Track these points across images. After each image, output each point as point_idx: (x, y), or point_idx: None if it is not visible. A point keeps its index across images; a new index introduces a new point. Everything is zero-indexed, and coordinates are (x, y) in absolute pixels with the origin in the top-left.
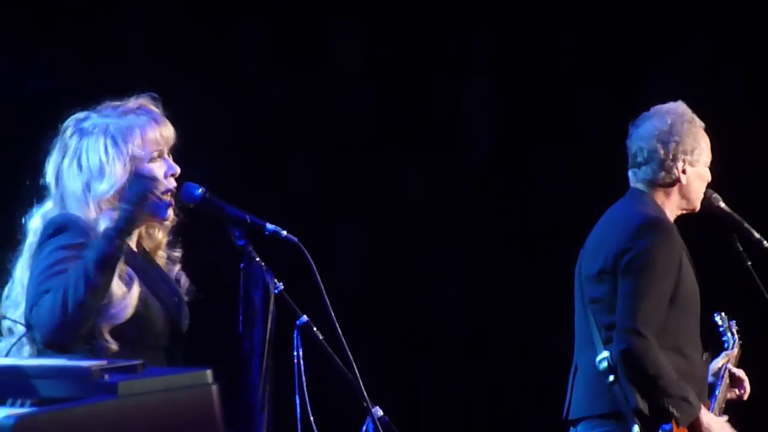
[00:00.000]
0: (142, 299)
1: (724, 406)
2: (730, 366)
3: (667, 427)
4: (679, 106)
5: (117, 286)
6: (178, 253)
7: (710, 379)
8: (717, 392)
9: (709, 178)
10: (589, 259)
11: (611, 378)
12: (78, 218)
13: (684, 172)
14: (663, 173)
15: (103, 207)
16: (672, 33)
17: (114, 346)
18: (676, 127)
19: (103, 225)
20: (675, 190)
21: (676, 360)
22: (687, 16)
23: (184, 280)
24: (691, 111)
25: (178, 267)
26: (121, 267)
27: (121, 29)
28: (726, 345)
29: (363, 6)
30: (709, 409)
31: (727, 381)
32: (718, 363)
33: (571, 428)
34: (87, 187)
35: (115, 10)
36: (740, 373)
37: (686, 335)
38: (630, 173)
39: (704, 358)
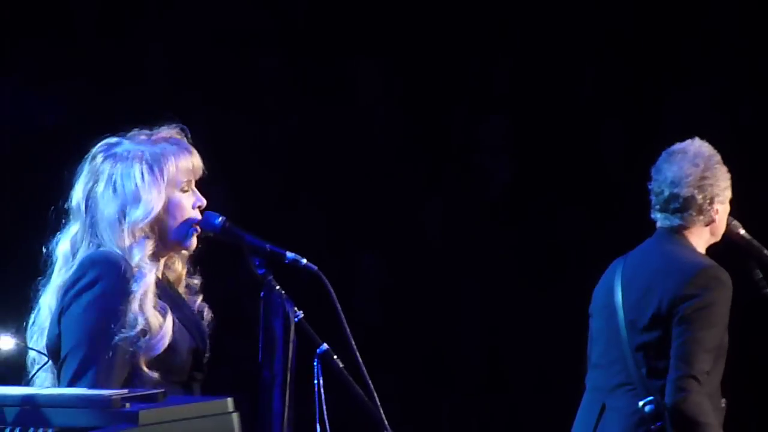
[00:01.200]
0: (174, 331)
1: None
2: None
3: None
4: (704, 147)
5: (154, 317)
6: (197, 281)
7: None
8: None
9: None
10: (633, 303)
11: (658, 424)
12: (113, 258)
13: (717, 212)
14: (701, 217)
15: (137, 235)
16: (691, 64)
17: (155, 375)
18: (710, 171)
19: (137, 255)
20: (707, 229)
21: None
22: (706, 47)
23: (207, 313)
24: (712, 148)
25: (200, 298)
26: (154, 297)
27: (140, 56)
28: None
29: (384, 37)
30: None
31: None
32: None
33: None
34: (122, 212)
35: (133, 37)
36: None
37: (717, 383)
38: (660, 216)
39: (723, 405)
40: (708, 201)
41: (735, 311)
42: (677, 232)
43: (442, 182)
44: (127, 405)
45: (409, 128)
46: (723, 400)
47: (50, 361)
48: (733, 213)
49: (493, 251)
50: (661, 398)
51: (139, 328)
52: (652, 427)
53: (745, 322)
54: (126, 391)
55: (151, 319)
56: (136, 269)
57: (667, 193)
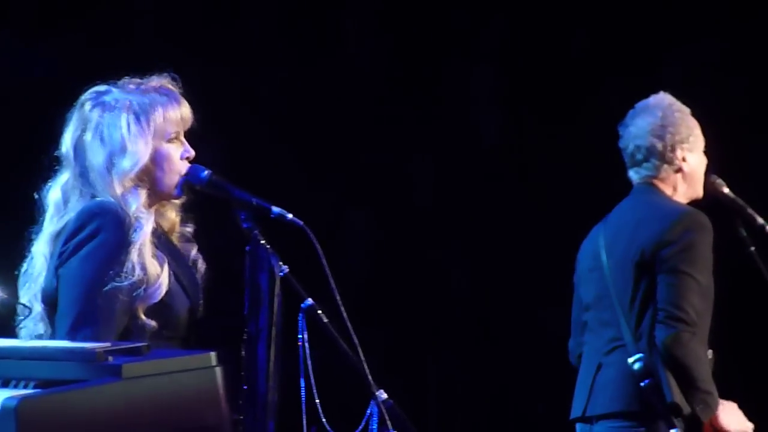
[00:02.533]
0: (171, 283)
1: None
2: None
3: None
4: (665, 98)
5: (152, 266)
6: (190, 229)
7: None
8: None
9: (706, 162)
10: (619, 257)
11: (647, 381)
12: (113, 209)
13: (684, 160)
14: (666, 165)
15: (127, 185)
16: (687, 22)
17: (153, 323)
18: (668, 119)
19: (133, 204)
20: (680, 180)
21: None
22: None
23: (201, 264)
24: (676, 99)
25: (195, 248)
26: (152, 246)
27: (129, 12)
28: None
29: None
30: None
31: None
32: None
33: (584, 425)
34: (110, 162)
35: None
36: None
37: (706, 331)
38: (631, 173)
39: (710, 357)
40: (670, 148)
41: (720, 270)
42: (650, 184)
43: (431, 136)
44: (111, 358)
45: (399, 81)
46: (710, 351)
47: (43, 311)
48: (725, 171)
49: (483, 207)
50: (650, 356)
51: (137, 277)
52: (642, 384)
53: (730, 281)
54: (109, 344)
55: (150, 268)
56: (134, 218)
57: (631, 147)
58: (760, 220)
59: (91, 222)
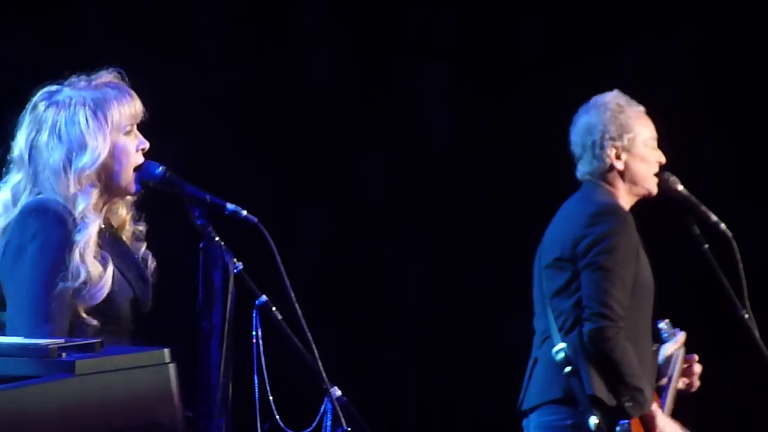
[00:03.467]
0: (114, 281)
1: (676, 396)
2: (682, 354)
3: (625, 421)
4: (606, 96)
5: (93, 266)
6: (142, 228)
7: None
8: (670, 382)
9: (656, 160)
10: (546, 252)
11: (568, 369)
12: (53, 207)
13: (618, 157)
14: (596, 162)
15: (84, 182)
16: (640, 19)
17: (95, 322)
18: (599, 117)
19: (81, 204)
20: (618, 177)
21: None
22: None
23: (151, 261)
24: (621, 98)
25: (144, 246)
26: (95, 247)
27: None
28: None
29: None
30: (660, 399)
31: (679, 369)
32: (668, 350)
33: (524, 419)
34: (68, 160)
35: None
36: (693, 362)
37: (640, 326)
38: (577, 170)
39: (654, 349)
40: (599, 146)
41: (674, 268)
42: (589, 181)
43: (384, 133)
44: (64, 354)
45: (351, 78)
46: (655, 345)
47: None
48: (679, 169)
49: (435, 203)
50: (570, 345)
51: (81, 278)
52: (564, 372)
53: (684, 279)
54: (62, 340)
55: (92, 269)
56: (80, 218)
57: (571, 144)
58: (714, 218)
59: (32, 221)
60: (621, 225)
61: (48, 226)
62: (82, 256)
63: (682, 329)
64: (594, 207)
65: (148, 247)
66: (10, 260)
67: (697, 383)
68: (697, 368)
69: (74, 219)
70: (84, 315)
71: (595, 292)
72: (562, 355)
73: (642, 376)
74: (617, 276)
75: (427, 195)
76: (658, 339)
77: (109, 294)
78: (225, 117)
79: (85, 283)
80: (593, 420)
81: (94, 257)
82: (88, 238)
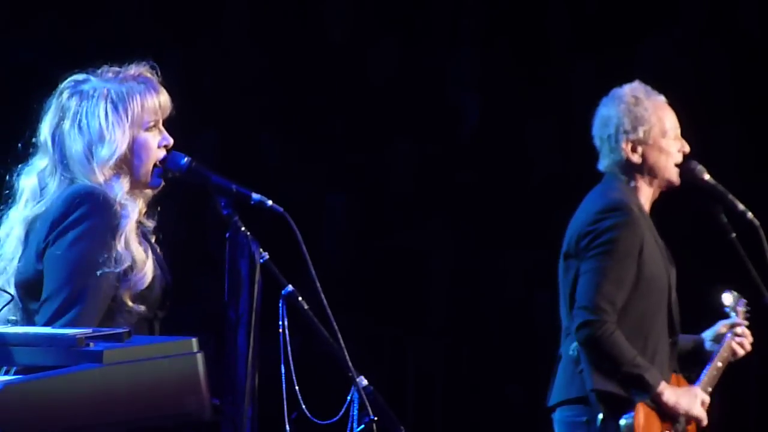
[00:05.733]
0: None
1: (719, 374)
2: (731, 335)
3: (630, 414)
4: (624, 89)
5: (138, 252)
6: (151, 224)
7: (708, 344)
8: (714, 358)
9: (679, 149)
10: (564, 245)
11: (580, 367)
12: (100, 193)
13: (634, 150)
14: (613, 155)
15: (107, 174)
16: (663, 6)
17: (142, 308)
18: (614, 110)
19: (119, 191)
20: (636, 170)
21: (636, 343)
22: None
23: (159, 252)
24: (639, 89)
25: (153, 238)
26: (138, 234)
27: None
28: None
29: None
30: (699, 376)
31: (726, 349)
32: (720, 328)
33: (552, 413)
34: (89, 150)
35: None
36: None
37: (649, 318)
38: (599, 161)
39: (671, 341)
40: (614, 139)
41: (700, 257)
42: (610, 173)
43: (413, 122)
44: (92, 344)
45: (380, 67)
46: (675, 337)
47: (17, 296)
48: (698, 155)
49: (463, 191)
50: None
51: (126, 263)
52: (577, 370)
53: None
54: (90, 330)
55: (137, 255)
56: (121, 205)
57: (593, 137)
58: (741, 207)
59: (80, 206)
60: (623, 222)
61: (96, 210)
62: (127, 242)
63: (707, 319)
64: (601, 204)
65: (176, 237)
66: (56, 242)
67: (741, 351)
68: (747, 341)
69: (118, 205)
70: (129, 302)
71: (585, 289)
72: (574, 353)
73: (641, 362)
74: (612, 272)
75: (454, 183)
76: (719, 312)
77: (151, 280)
78: (252, 106)
79: (129, 268)
80: (600, 415)
81: (138, 243)
82: (131, 223)
